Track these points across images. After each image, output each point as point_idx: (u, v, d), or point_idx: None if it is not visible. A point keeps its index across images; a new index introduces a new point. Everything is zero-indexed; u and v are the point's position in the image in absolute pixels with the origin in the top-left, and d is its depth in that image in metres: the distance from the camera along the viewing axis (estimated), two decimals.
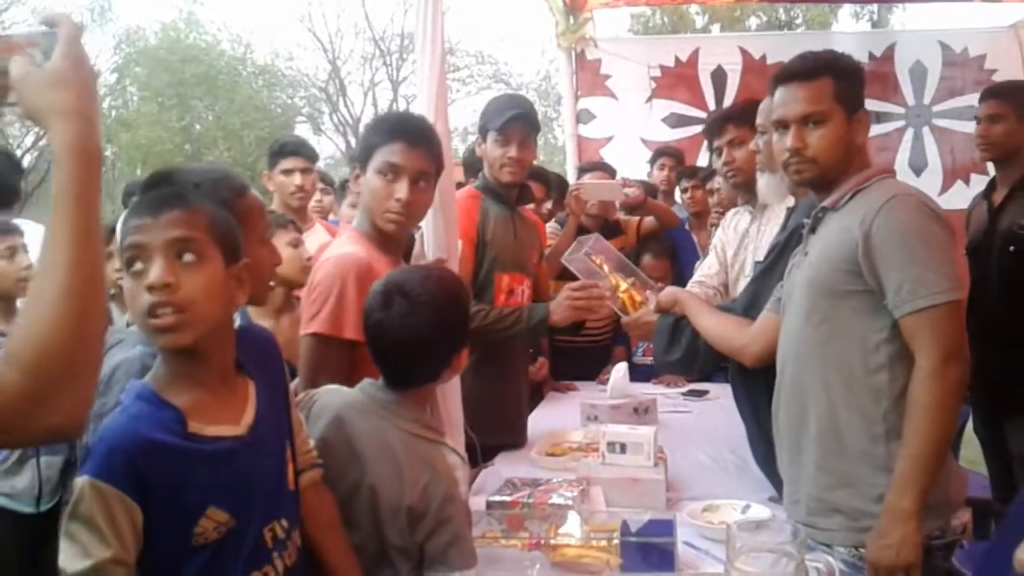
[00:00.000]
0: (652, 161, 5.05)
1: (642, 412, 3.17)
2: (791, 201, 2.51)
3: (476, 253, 2.73)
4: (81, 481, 1.17)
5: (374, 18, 25.14)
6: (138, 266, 1.23)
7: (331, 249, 2.08)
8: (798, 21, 25.05)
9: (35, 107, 1.01)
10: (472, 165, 3.63)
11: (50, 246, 0.95)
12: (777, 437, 2.01)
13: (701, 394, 3.68)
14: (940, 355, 1.71)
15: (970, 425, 3.54)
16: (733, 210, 3.09)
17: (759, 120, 2.44)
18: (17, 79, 1.01)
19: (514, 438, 2.87)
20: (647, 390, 3.56)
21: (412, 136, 2.04)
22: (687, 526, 2.02)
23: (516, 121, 2.74)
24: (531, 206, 3.18)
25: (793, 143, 1.90)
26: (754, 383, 2.36)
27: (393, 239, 2.10)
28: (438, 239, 2.30)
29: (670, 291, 2.47)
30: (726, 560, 1.47)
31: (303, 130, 28.04)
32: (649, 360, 3.92)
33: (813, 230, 1.96)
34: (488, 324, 2.64)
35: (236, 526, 1.27)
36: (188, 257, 1.24)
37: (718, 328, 2.26)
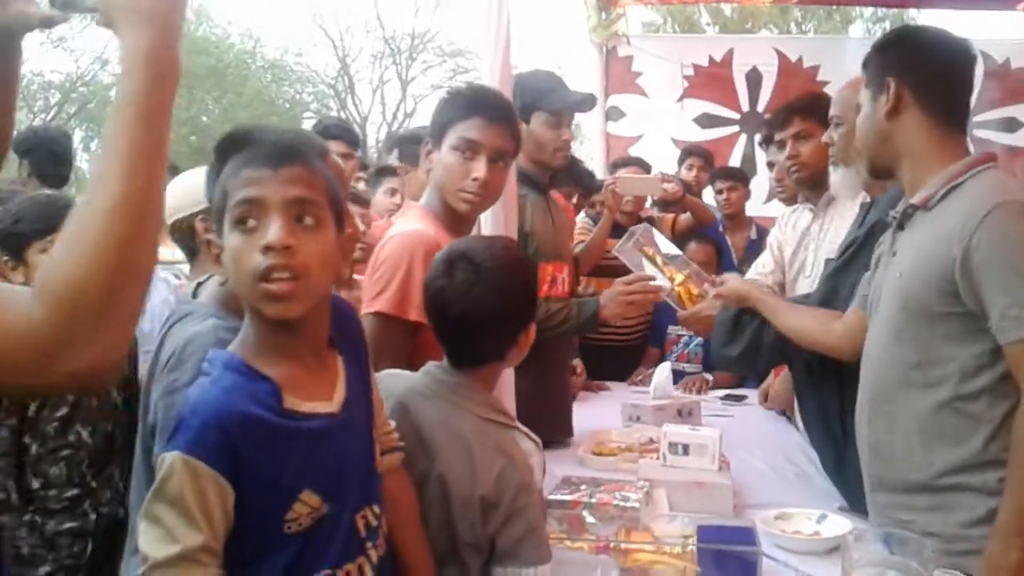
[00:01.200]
0: (681, 161, 4.93)
1: (686, 414, 3.05)
2: (862, 198, 2.39)
3: (518, 243, 2.59)
4: (170, 457, 1.04)
5: (385, 17, 25.04)
6: (251, 223, 1.10)
7: (397, 226, 1.96)
8: (809, 34, 25.05)
9: (110, 6, 0.91)
10: None
11: (104, 159, 0.84)
12: (861, 453, 1.85)
13: (740, 399, 3.56)
14: None
15: None
16: (791, 208, 2.96)
17: (834, 111, 2.30)
18: None
19: (560, 434, 2.73)
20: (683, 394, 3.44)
21: (491, 112, 1.93)
22: (761, 535, 1.88)
23: (575, 104, 2.60)
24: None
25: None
26: (824, 388, 2.24)
27: (464, 220, 1.98)
28: (496, 225, 2.18)
29: (735, 285, 2.33)
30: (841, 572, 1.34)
31: (310, 126, 27.98)
32: (684, 365, 3.81)
33: (901, 226, 1.80)
34: (537, 320, 2.50)
35: (330, 512, 1.15)
36: (308, 220, 1.12)
37: (805, 327, 2.09)
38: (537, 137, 2.62)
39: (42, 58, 26.82)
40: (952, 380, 1.64)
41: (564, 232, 2.79)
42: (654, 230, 2.68)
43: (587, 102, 2.60)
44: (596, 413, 3.20)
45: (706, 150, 4.93)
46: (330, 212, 1.16)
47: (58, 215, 2.10)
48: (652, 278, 2.50)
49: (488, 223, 2.20)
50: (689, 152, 4.88)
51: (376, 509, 1.26)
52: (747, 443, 2.81)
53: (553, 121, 2.59)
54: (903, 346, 1.72)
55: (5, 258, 2.21)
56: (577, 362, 3.53)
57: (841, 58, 4.99)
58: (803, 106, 2.72)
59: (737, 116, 5.31)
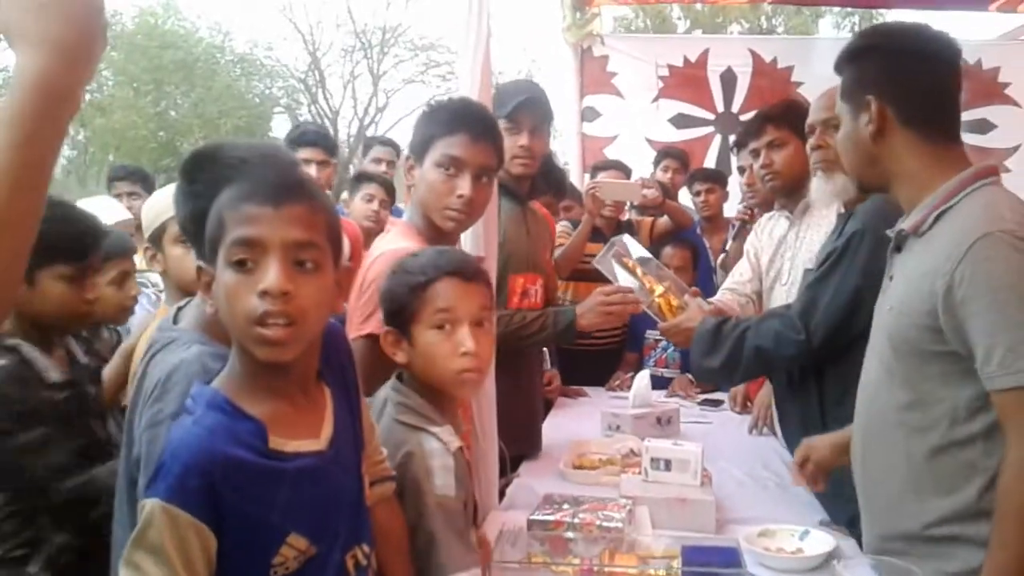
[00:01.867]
0: (657, 162, 4.91)
1: (665, 422, 3.04)
2: (839, 207, 2.38)
3: None
4: (150, 504, 1.01)
5: (355, 10, 24.83)
6: (249, 264, 1.07)
7: (383, 244, 1.93)
8: (780, 29, 25.20)
9: (9, 29, 0.82)
10: None
11: None
12: (858, 487, 1.82)
13: (717, 404, 3.55)
14: None
15: None
16: (768, 215, 2.96)
17: (822, 115, 2.26)
18: None
19: (529, 447, 2.70)
20: (668, 399, 3.44)
21: (476, 128, 1.89)
22: (745, 553, 1.87)
23: (526, 107, 2.51)
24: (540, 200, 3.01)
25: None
26: (805, 399, 2.24)
27: (448, 237, 1.94)
28: (476, 237, 2.15)
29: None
30: None
31: (281, 120, 27.75)
32: (662, 371, 3.80)
33: (899, 248, 1.69)
34: (512, 331, 2.49)
35: (317, 554, 1.12)
36: (308, 264, 1.09)
37: None
38: None
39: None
40: (944, 423, 1.54)
41: (540, 243, 2.76)
42: (633, 241, 2.66)
43: (529, 104, 2.53)
44: (575, 421, 3.19)
45: (682, 151, 4.91)
46: (329, 252, 1.13)
47: None
48: (631, 290, 2.49)
49: (468, 238, 2.17)
50: (665, 154, 4.85)
51: (365, 548, 1.23)
52: (726, 452, 2.81)
53: (511, 127, 2.52)
54: (895, 385, 1.62)
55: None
56: (552, 373, 3.51)
57: (815, 58, 5.02)
58: (776, 114, 2.71)
59: (712, 116, 5.31)
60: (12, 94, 0.80)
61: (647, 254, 2.65)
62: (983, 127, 4.99)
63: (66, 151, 28.44)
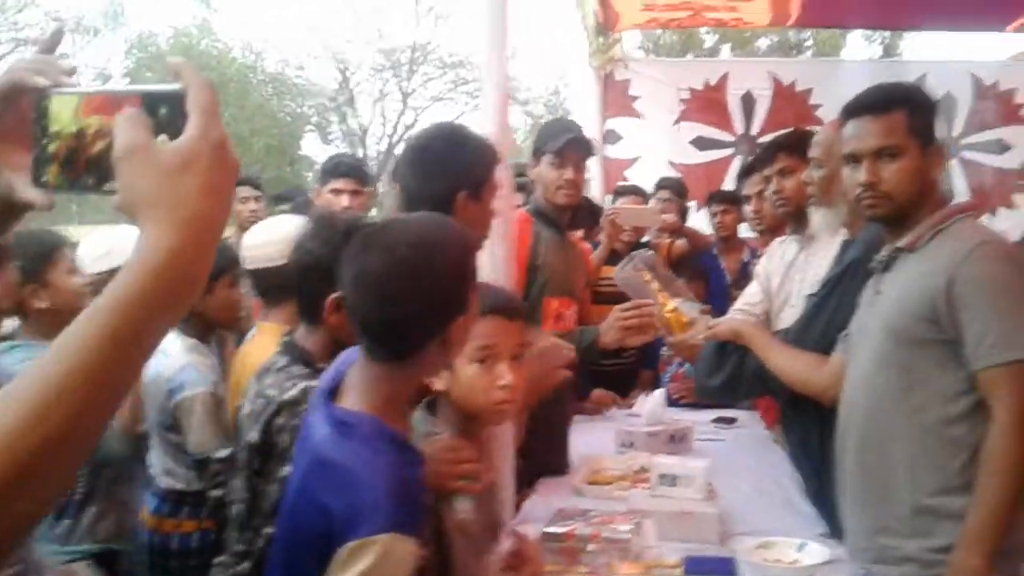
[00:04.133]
0: (653, 194, 4.90)
1: (678, 439, 3.14)
2: (843, 235, 2.49)
3: (527, 277, 2.71)
4: (381, 539, 1.12)
5: (385, 29, 25.19)
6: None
7: None
8: (808, 43, 25.14)
9: (136, 197, 0.68)
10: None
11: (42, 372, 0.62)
12: (841, 481, 1.97)
13: (730, 421, 3.64)
14: (1020, 412, 1.68)
15: None
16: (780, 239, 3.06)
17: (815, 152, 2.42)
18: (124, 151, 0.68)
19: (557, 464, 2.83)
20: (682, 416, 3.52)
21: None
22: (743, 564, 1.98)
23: (574, 144, 2.75)
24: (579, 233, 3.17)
25: (867, 177, 1.87)
26: (806, 417, 2.33)
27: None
28: (495, 263, 2.26)
29: (732, 322, 2.44)
30: None
31: (311, 139, 28.12)
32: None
33: (887, 268, 1.93)
34: None
35: None
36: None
37: (793, 368, 2.21)
38: (543, 177, 2.81)
39: None
40: (935, 403, 1.79)
41: (576, 271, 2.93)
42: (652, 256, 2.79)
43: (576, 141, 2.73)
44: (592, 439, 3.28)
45: (679, 181, 4.89)
46: None
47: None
48: (648, 304, 2.61)
49: (485, 257, 2.27)
50: (660, 186, 4.83)
51: None
52: (736, 467, 2.90)
53: (556, 162, 2.77)
54: (889, 373, 1.85)
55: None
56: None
57: (833, 82, 5.11)
58: (788, 142, 2.82)
59: (732, 139, 5.40)
60: (128, 277, 0.65)
61: (664, 269, 2.77)
62: (1000, 147, 5.05)
63: None
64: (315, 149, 27.17)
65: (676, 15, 4.90)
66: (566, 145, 2.73)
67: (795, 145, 2.78)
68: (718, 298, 4.01)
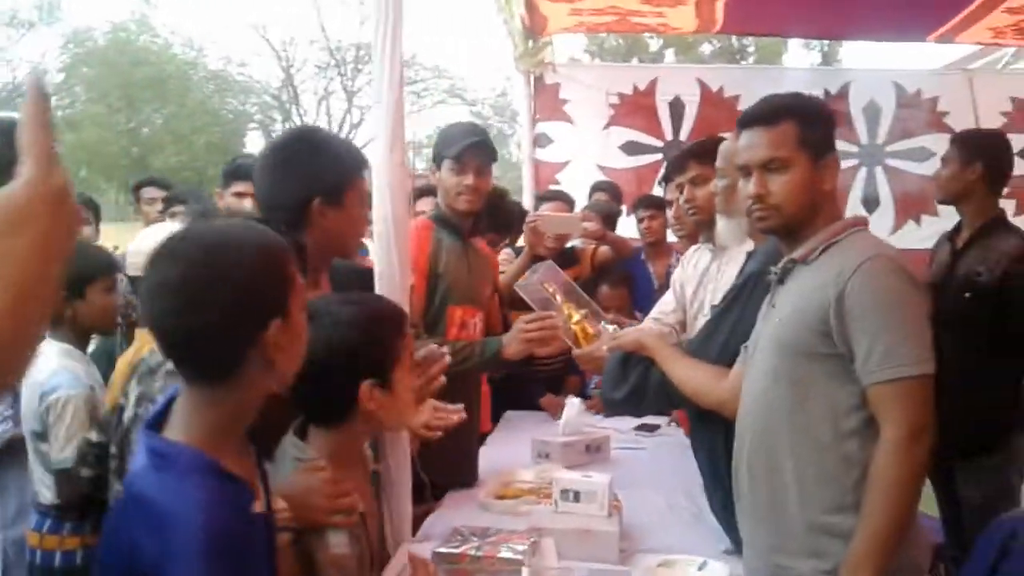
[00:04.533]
0: (589, 194, 5.00)
1: (594, 450, 3.11)
2: (750, 245, 2.47)
3: (428, 285, 2.64)
4: None
5: (329, 27, 24.89)
6: None
7: None
8: (750, 49, 25.57)
9: None
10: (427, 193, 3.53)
11: None
12: (737, 497, 1.94)
13: (653, 429, 3.62)
14: (908, 429, 1.64)
15: None
16: (694, 247, 3.03)
17: (719, 163, 2.40)
18: None
19: (464, 478, 2.76)
20: (603, 424, 3.48)
21: None
22: None
23: (473, 148, 2.68)
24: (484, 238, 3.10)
25: (755, 189, 1.83)
26: (711, 428, 2.29)
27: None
28: (391, 271, 2.18)
29: (634, 334, 2.38)
30: None
31: (255, 137, 27.72)
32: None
33: (781, 281, 1.90)
34: None
35: None
36: None
37: (694, 380, 2.16)
38: (444, 183, 2.74)
39: None
40: (827, 418, 1.74)
41: (481, 278, 2.85)
42: (556, 267, 2.74)
43: (476, 146, 2.67)
44: (511, 448, 3.24)
45: (612, 183, 5.03)
46: None
47: None
48: (551, 316, 2.56)
49: (383, 266, 2.19)
50: (595, 188, 4.98)
51: None
52: (652, 479, 2.88)
53: (456, 167, 2.69)
54: (781, 387, 1.80)
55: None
56: None
57: (760, 88, 5.09)
58: (701, 151, 2.78)
59: (661, 144, 5.40)
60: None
61: (568, 280, 2.72)
62: (923, 155, 5.11)
63: None
64: (259, 147, 26.87)
65: (603, 19, 4.86)
66: (465, 150, 2.66)
67: (707, 153, 2.75)
68: (645, 304, 4.00)
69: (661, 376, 2.21)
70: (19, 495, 2.76)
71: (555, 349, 2.65)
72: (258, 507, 1.18)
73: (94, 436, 2.32)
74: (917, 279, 1.76)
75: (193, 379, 1.13)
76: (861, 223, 1.90)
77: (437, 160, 2.75)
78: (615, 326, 2.55)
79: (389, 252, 2.16)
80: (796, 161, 1.82)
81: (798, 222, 1.85)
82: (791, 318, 1.80)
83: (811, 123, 1.86)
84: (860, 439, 1.72)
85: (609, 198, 4.93)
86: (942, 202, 3.39)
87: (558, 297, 2.59)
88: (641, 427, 3.63)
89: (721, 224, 2.43)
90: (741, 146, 1.90)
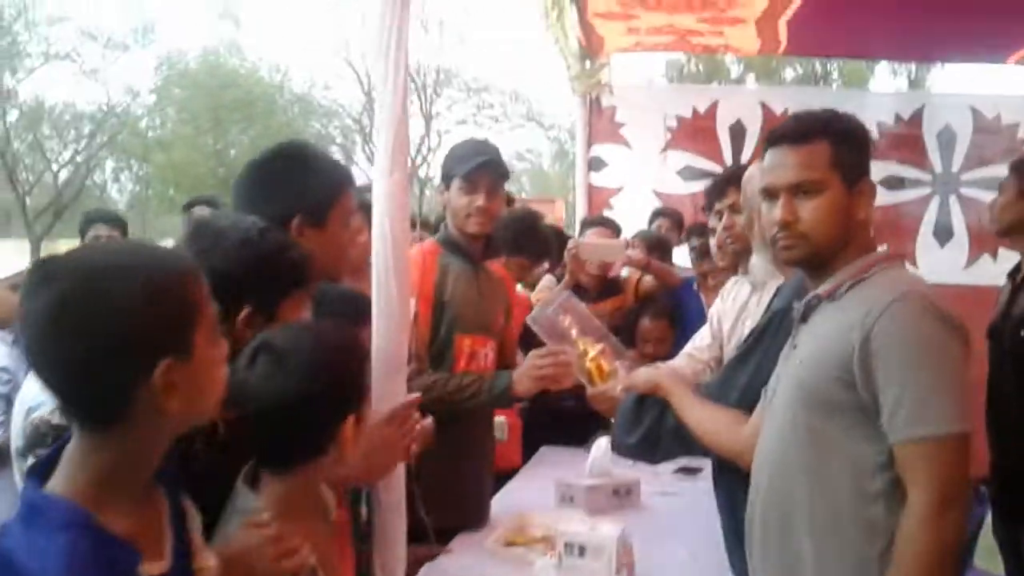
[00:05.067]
0: (650, 221, 4.91)
1: (623, 494, 2.91)
2: (781, 279, 2.26)
3: (433, 314, 2.50)
4: None
5: (410, 51, 25.33)
6: None
7: None
8: (834, 75, 24.90)
9: None
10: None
11: None
12: (749, 556, 1.73)
13: (695, 472, 3.38)
14: (939, 496, 1.44)
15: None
16: (733, 279, 2.83)
17: (741, 196, 2.20)
18: None
19: (472, 520, 2.60)
20: (640, 465, 3.26)
21: None
22: None
23: (484, 168, 2.53)
24: (500, 260, 2.94)
25: (782, 215, 1.63)
26: (734, 477, 2.09)
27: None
28: (389, 299, 2.04)
29: (650, 373, 2.18)
30: None
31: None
32: None
33: (804, 319, 1.70)
34: (446, 395, 2.41)
35: None
36: None
37: (710, 426, 1.95)
38: (452, 204, 2.59)
39: (74, 88, 27.42)
40: (849, 478, 1.55)
41: (493, 304, 2.68)
42: (574, 298, 2.57)
43: (486, 165, 2.52)
44: (536, 489, 3.05)
45: (675, 211, 4.93)
46: None
47: None
48: (564, 352, 2.39)
49: (380, 293, 2.05)
50: (658, 213, 4.91)
51: None
52: (681, 529, 2.67)
53: (466, 187, 2.54)
54: (799, 439, 1.61)
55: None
56: None
57: None
58: (739, 176, 2.59)
59: (720, 169, 5.15)
60: None
61: (588, 314, 2.55)
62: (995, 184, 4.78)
63: (128, 185, 29.35)
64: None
65: (661, 39, 4.71)
66: (476, 169, 2.51)
67: None
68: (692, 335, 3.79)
69: (677, 420, 2.02)
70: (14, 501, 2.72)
71: (568, 385, 2.46)
72: (154, 569, 1.04)
73: None
74: (956, 321, 1.53)
75: (77, 422, 1.01)
76: (896, 257, 1.69)
77: (446, 180, 2.60)
78: (631, 362, 2.36)
79: (387, 278, 2.03)
80: (829, 184, 1.63)
81: (828, 253, 1.65)
82: (811, 362, 1.61)
83: (846, 144, 1.66)
84: (886, 503, 1.52)
85: (671, 225, 4.78)
86: (998, 234, 3.13)
87: (574, 331, 2.42)
88: (682, 470, 3.40)
89: (755, 258, 2.22)
90: (767, 166, 1.71)
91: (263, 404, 1.35)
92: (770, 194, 1.68)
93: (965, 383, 1.50)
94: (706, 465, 3.34)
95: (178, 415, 1.02)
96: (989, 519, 3.23)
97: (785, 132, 1.69)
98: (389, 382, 1.98)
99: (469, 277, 2.61)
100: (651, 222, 4.84)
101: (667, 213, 4.88)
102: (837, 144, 1.64)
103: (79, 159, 25.35)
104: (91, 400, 0.99)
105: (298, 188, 1.78)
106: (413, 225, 4.02)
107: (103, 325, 0.95)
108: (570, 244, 3.71)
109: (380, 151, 2.03)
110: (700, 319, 4.03)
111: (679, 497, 3.10)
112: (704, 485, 3.22)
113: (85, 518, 0.96)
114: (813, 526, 1.57)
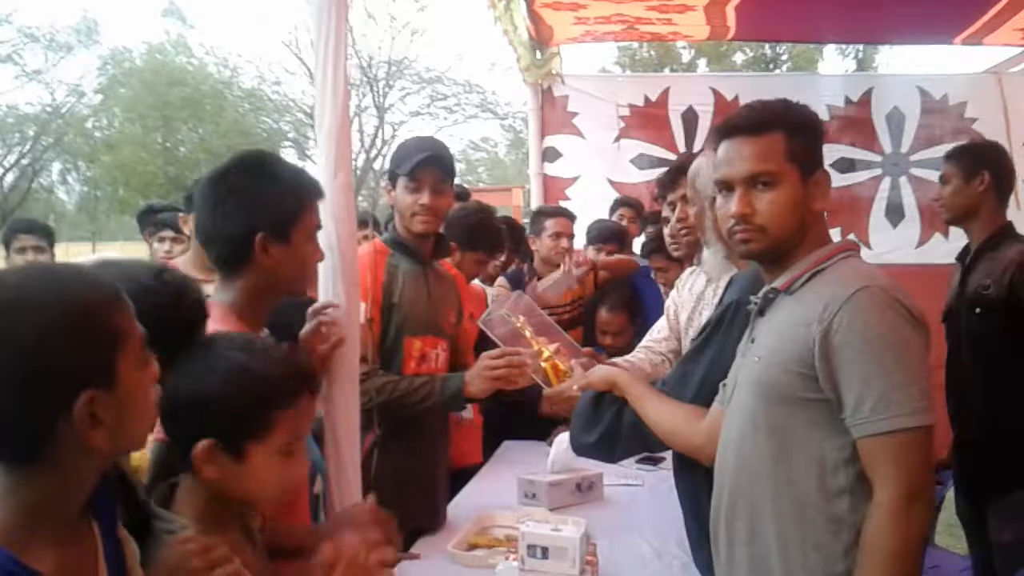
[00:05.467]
0: (611, 211, 4.91)
1: (585, 488, 2.90)
2: (734, 271, 2.24)
3: (382, 317, 2.44)
4: None
5: (360, 44, 24.98)
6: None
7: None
8: (784, 57, 25.14)
9: None
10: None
11: None
12: (715, 554, 1.71)
13: (657, 461, 3.37)
14: (904, 491, 1.42)
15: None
16: (689, 269, 2.81)
17: (688, 189, 2.18)
18: None
19: (427, 521, 2.56)
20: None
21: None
22: None
23: (428, 165, 2.45)
24: (449, 259, 2.88)
25: (738, 208, 1.60)
26: (694, 475, 2.07)
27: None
28: (337, 295, 1.98)
29: (606, 371, 2.15)
30: None
31: (289, 154, 27.88)
32: None
33: (762, 312, 1.67)
34: (397, 397, 2.36)
35: None
36: None
37: (668, 422, 1.93)
38: (398, 203, 2.53)
39: (17, 91, 26.73)
40: (812, 474, 1.52)
41: (443, 304, 2.63)
42: (528, 299, 2.54)
43: (430, 161, 2.46)
44: (499, 486, 3.02)
45: (636, 200, 4.91)
46: None
47: None
48: (517, 352, 2.36)
49: (330, 298, 1.99)
50: (619, 203, 4.88)
51: None
52: (644, 522, 2.66)
53: (411, 185, 2.48)
54: (762, 437, 1.58)
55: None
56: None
57: (776, 96, 4.88)
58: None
59: (673, 157, 5.17)
60: None
61: (542, 313, 2.52)
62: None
63: (76, 187, 28.72)
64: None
65: (610, 28, 4.67)
66: (419, 166, 2.44)
67: None
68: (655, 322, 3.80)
69: (635, 417, 2.00)
70: None
71: (523, 385, 2.41)
72: None
73: None
74: (917, 314, 1.51)
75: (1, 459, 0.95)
76: (852, 247, 1.66)
77: (392, 178, 2.54)
78: (588, 359, 2.34)
79: (335, 284, 1.98)
80: (785, 176, 1.59)
81: (786, 246, 1.62)
82: (771, 357, 1.58)
83: (801, 134, 1.63)
84: (851, 499, 1.49)
85: (633, 215, 4.77)
86: (949, 222, 3.15)
87: (527, 332, 2.38)
88: (644, 459, 3.39)
89: (706, 253, 2.21)
90: (721, 158, 1.67)
91: None
92: (726, 186, 1.64)
93: (927, 376, 1.48)
94: (668, 455, 3.36)
95: (105, 446, 0.97)
96: (950, 496, 3.27)
97: (739, 123, 1.65)
98: (341, 392, 1.94)
99: (418, 277, 2.55)
100: (612, 212, 4.82)
101: (629, 203, 4.86)
102: (792, 135, 1.61)
103: (24, 162, 24.78)
104: (9, 437, 0.93)
105: (260, 204, 1.71)
106: (365, 223, 3.97)
107: (11, 363, 0.90)
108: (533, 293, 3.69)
109: (322, 154, 1.97)
110: (658, 306, 4.05)
111: (641, 488, 3.09)
112: (666, 474, 3.22)
113: (7, 560, 0.91)
114: (779, 522, 1.55)
